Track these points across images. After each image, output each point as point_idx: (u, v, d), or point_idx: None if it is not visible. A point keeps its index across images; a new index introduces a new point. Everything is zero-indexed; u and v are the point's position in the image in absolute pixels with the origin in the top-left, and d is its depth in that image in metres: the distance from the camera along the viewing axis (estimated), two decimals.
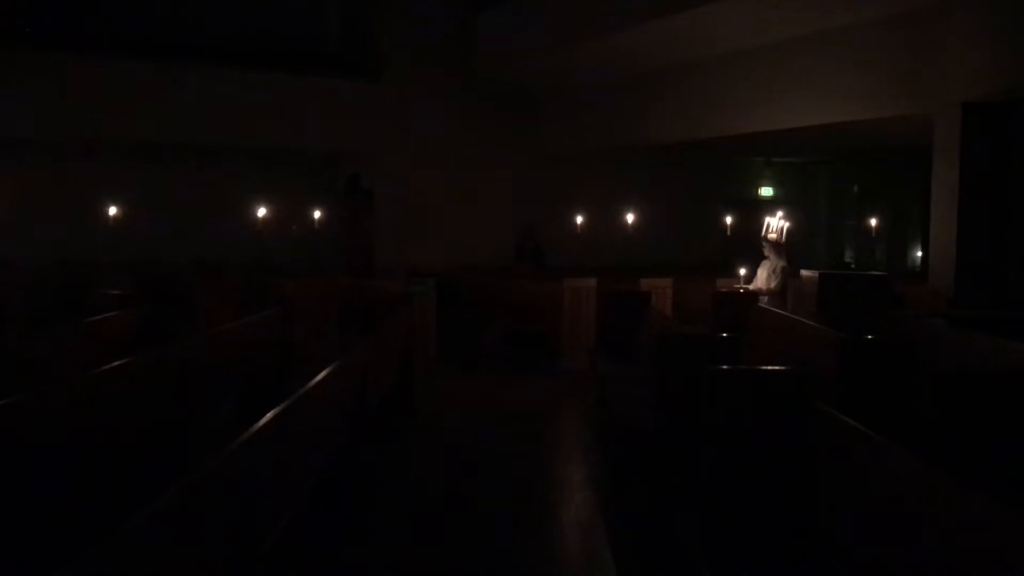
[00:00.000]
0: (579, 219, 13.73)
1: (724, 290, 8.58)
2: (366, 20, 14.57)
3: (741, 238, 14.25)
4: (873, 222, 15.17)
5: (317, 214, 13.45)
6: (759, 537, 3.40)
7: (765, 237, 8.35)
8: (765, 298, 8.14)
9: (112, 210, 12.18)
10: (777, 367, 3.62)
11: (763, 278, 8.30)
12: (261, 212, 12.38)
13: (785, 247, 8.30)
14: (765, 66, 11.06)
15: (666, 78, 12.55)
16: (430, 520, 4.92)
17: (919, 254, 15.95)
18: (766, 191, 17.99)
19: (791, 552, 3.30)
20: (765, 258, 8.43)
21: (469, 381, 9.22)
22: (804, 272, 8.07)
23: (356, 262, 14.09)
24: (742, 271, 8.67)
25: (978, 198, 8.10)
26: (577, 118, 14.27)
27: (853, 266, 17.22)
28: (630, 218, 13.47)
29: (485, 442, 6.73)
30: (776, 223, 8.29)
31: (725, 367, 3.59)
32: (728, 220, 13.82)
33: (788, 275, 8.22)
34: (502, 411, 7.81)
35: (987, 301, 7.70)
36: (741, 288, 8.33)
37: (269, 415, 3.12)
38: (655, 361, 4.90)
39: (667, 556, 4.07)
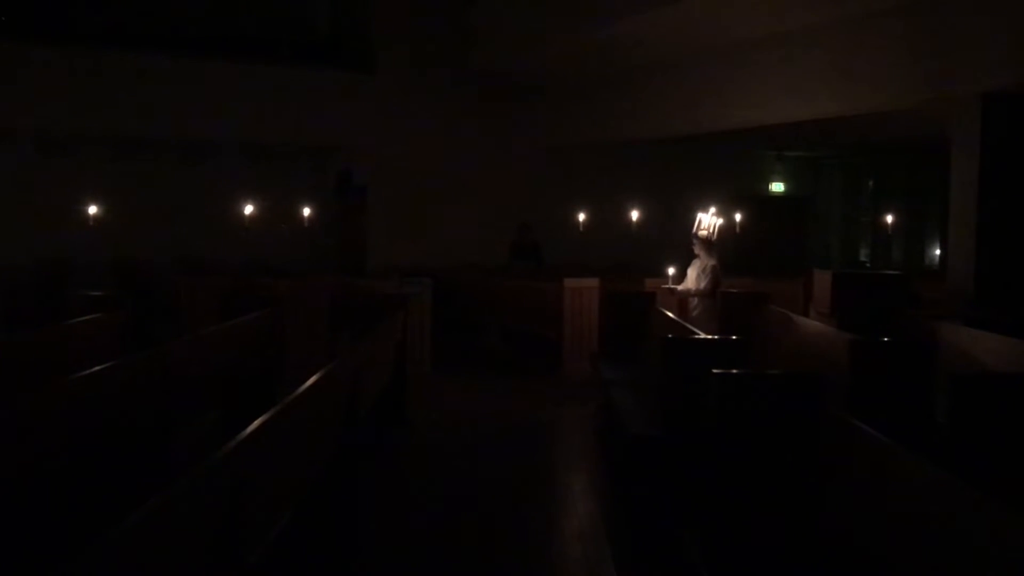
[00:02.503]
0: (580, 216, 13.50)
1: (735, 291, 8.26)
2: (360, 10, 14.36)
3: (752, 235, 14.07)
4: (889, 219, 14.90)
5: (307, 212, 13.22)
6: (766, 547, 3.31)
7: (695, 234, 7.96)
8: (695, 300, 7.84)
9: (92, 207, 11.91)
10: (787, 370, 3.53)
11: (692, 278, 7.93)
12: (248, 210, 12.13)
13: (717, 245, 7.98)
14: (775, 56, 10.79)
15: (672, 68, 12.28)
16: (425, 529, 4.83)
17: (937, 252, 15.77)
18: (777, 187, 17.77)
19: (798, 562, 3.21)
20: (695, 257, 8.04)
21: (466, 385, 9.09)
22: (817, 271, 7.82)
23: (348, 261, 13.91)
24: (670, 271, 8.27)
25: (999, 193, 7.90)
26: (578, 111, 14.02)
27: (868, 265, 17.04)
28: (634, 215, 13.23)
29: (482, 448, 6.62)
30: (708, 219, 7.94)
31: (732, 371, 3.48)
32: (737, 217, 13.61)
33: (719, 275, 7.91)
34: (500, 416, 7.68)
35: (1008, 301, 7.50)
36: (670, 288, 8.01)
37: (257, 421, 3.05)
38: (660, 365, 4.84)
39: (671, 567, 3.96)
